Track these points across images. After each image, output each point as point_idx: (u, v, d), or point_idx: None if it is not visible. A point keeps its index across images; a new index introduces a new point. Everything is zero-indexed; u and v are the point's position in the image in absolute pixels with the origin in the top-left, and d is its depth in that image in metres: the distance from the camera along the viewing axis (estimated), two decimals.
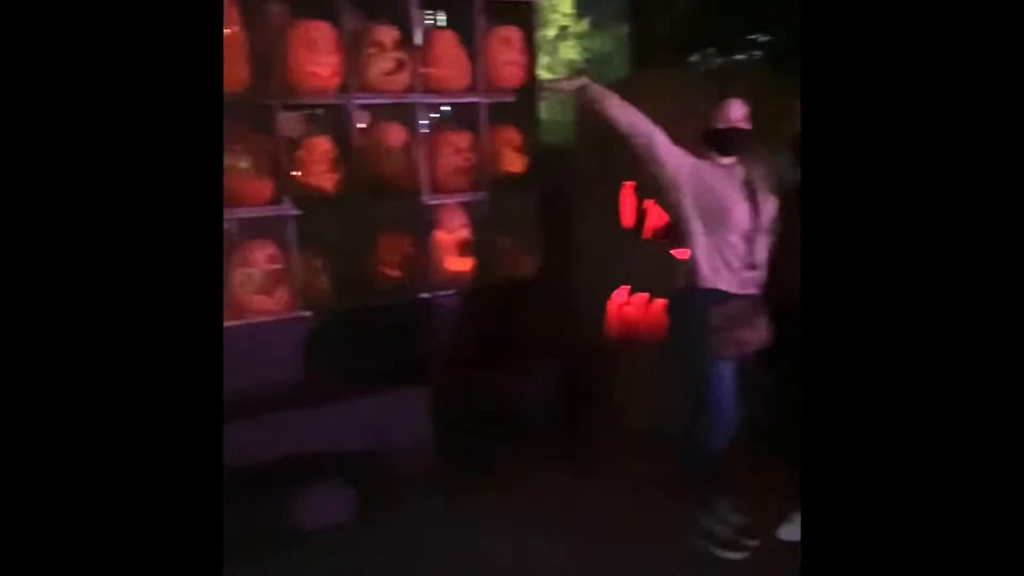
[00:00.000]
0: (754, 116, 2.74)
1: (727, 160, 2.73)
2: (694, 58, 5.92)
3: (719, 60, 5.82)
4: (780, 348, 2.67)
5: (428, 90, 3.68)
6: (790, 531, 2.77)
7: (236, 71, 3.21)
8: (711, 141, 2.74)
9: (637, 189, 3.76)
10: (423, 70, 3.65)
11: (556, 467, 3.46)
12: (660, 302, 3.63)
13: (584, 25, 7.99)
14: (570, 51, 8.04)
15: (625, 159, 2.93)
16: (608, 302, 3.85)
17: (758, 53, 5.83)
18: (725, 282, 2.69)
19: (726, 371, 2.67)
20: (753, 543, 2.76)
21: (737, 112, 2.70)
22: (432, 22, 3.92)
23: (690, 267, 2.75)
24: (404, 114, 3.66)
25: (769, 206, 2.69)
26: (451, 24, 3.86)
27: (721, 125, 2.70)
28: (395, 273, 3.67)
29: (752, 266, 2.69)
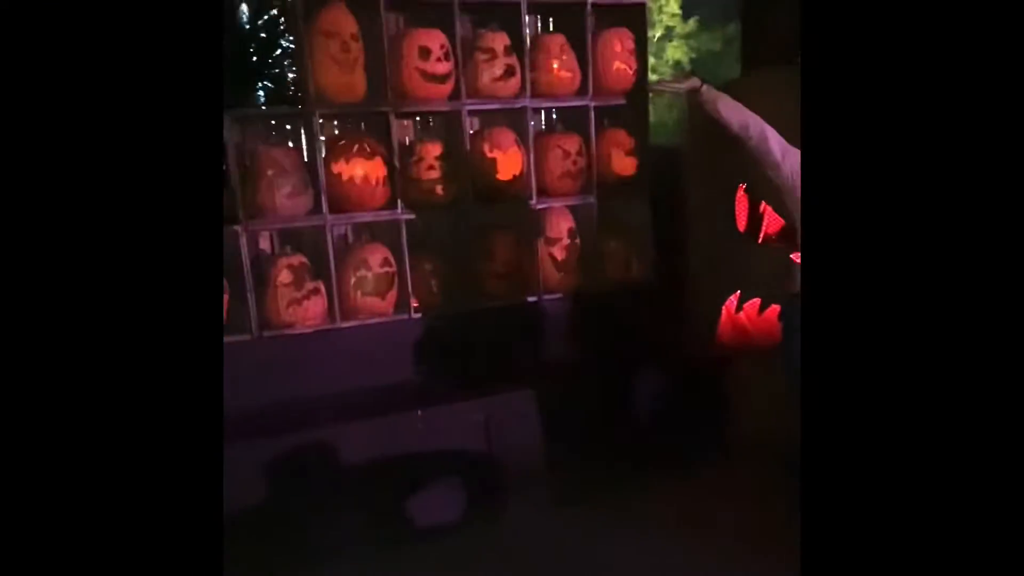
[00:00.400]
0: None
1: None
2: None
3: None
4: None
5: (538, 95, 3.68)
6: None
7: (353, 80, 3.31)
8: None
9: (751, 192, 3.66)
10: (533, 75, 3.65)
11: (666, 473, 3.40)
12: (774, 308, 3.52)
13: (691, 25, 7.83)
14: (676, 51, 7.90)
15: (738, 161, 2.86)
16: (721, 308, 3.76)
17: None
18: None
19: None
20: None
21: None
22: (542, 26, 3.93)
23: (796, 277, 2.66)
24: (514, 119, 3.68)
25: None
26: (560, 28, 3.86)
27: None
28: (504, 277, 3.69)
29: None
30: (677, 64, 7.87)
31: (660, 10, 8.10)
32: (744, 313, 3.67)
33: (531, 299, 3.74)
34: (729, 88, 2.83)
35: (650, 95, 4.04)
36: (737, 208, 3.73)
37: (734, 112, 2.66)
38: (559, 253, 3.81)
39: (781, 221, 3.45)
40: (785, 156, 2.62)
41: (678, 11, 8.17)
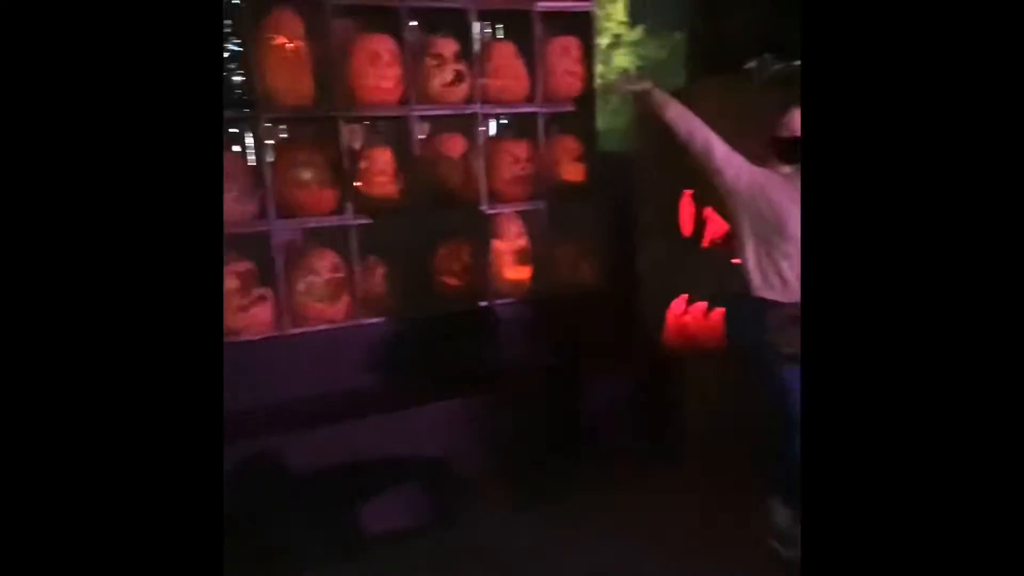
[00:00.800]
0: None
1: (787, 169, 2.70)
2: (750, 64, 5.86)
3: (776, 66, 5.74)
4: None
5: (487, 101, 3.71)
6: None
7: (301, 84, 3.29)
8: (773, 150, 2.71)
9: (696, 197, 3.74)
10: (482, 81, 3.68)
11: (622, 473, 3.45)
12: (719, 311, 3.60)
13: (638, 32, 7.94)
14: (624, 59, 8.01)
15: (684, 167, 2.92)
16: (667, 311, 3.82)
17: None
18: (777, 291, 2.66)
19: (792, 377, 2.64)
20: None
21: (792, 119, 2.66)
22: (491, 34, 3.95)
23: (743, 275, 2.73)
24: (464, 125, 3.69)
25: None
26: (509, 35, 3.89)
27: (784, 134, 2.67)
28: (455, 282, 3.70)
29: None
30: (624, 72, 7.98)
31: (608, 18, 8.21)
32: (690, 316, 3.74)
33: (482, 304, 3.76)
34: (676, 96, 2.89)
35: (598, 101, 4.10)
36: (682, 213, 3.82)
37: (681, 117, 2.73)
38: (510, 258, 3.83)
39: (725, 226, 3.53)
40: (727, 162, 2.69)
41: (625, 19, 8.31)
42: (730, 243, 3.21)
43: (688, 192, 3.76)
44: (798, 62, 5.77)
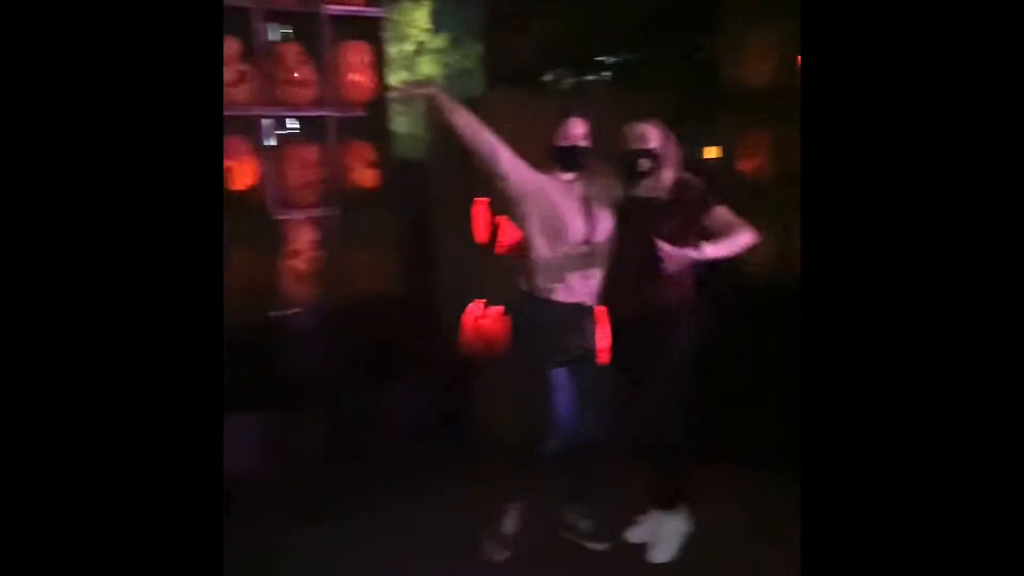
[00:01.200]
0: (596, 134, 2.83)
1: (568, 176, 2.81)
2: (547, 77, 6.09)
3: (571, 80, 6.01)
4: (618, 356, 2.76)
5: (273, 103, 3.59)
6: (637, 534, 2.87)
7: None
8: (553, 157, 2.82)
9: (490, 204, 3.80)
10: (268, 83, 3.55)
11: (417, 482, 3.44)
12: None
13: (442, 40, 8.01)
14: (428, 66, 8.05)
15: (478, 174, 2.97)
16: (463, 315, 3.87)
17: (606, 74, 6.06)
18: (560, 292, 2.77)
19: (562, 378, 2.75)
20: (606, 542, 2.86)
21: (578, 130, 2.79)
22: (278, 35, 3.84)
23: (528, 277, 2.82)
24: (248, 127, 3.55)
25: (605, 220, 2.78)
26: (298, 37, 3.79)
27: (563, 142, 2.78)
28: (243, 291, 3.54)
29: (587, 277, 2.78)
30: (429, 79, 8.03)
31: (411, 24, 8.23)
32: (486, 319, 3.80)
33: (273, 314, 3.62)
34: (474, 104, 2.94)
35: (397, 107, 4.08)
36: (475, 220, 3.87)
37: (467, 125, 2.77)
38: (302, 265, 3.73)
39: (519, 233, 3.62)
40: (513, 169, 2.77)
41: (429, 25, 8.37)
42: (523, 249, 3.29)
43: (482, 199, 3.82)
44: (590, 76, 6.09)
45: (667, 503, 2.84)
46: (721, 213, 2.68)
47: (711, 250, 2.62)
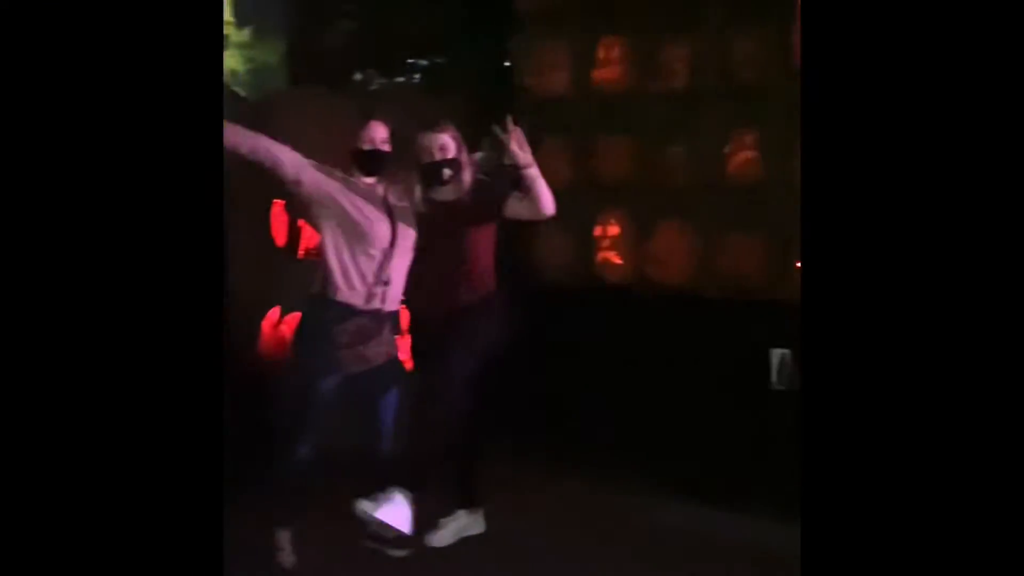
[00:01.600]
0: (399, 138, 2.82)
1: (368, 180, 2.79)
2: (357, 77, 6.00)
3: (380, 81, 5.96)
4: (422, 361, 2.78)
5: None
6: (440, 537, 2.89)
7: None
8: (354, 161, 2.78)
9: (288, 207, 3.70)
10: None
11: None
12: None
13: (246, 35, 7.69)
14: (232, 60, 7.70)
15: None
16: (263, 322, 3.74)
17: (416, 77, 6.06)
18: (356, 296, 2.74)
19: (363, 385, 2.74)
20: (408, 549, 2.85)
21: (379, 133, 2.77)
22: None
23: (324, 282, 2.77)
24: None
25: (406, 225, 2.79)
26: None
27: (364, 145, 2.76)
28: None
29: (384, 282, 2.77)
30: (233, 74, 7.67)
31: None
32: (285, 326, 3.70)
33: None
34: (274, 100, 2.83)
35: None
36: (274, 224, 3.76)
37: (240, 138, 2.64)
38: None
39: (318, 236, 3.55)
40: (302, 173, 2.70)
41: (231, 19, 7.99)
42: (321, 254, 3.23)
43: (279, 202, 3.71)
44: (399, 79, 6.07)
45: (468, 502, 2.88)
46: (513, 203, 2.69)
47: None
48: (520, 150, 2.58)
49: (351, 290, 2.73)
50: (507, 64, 4.86)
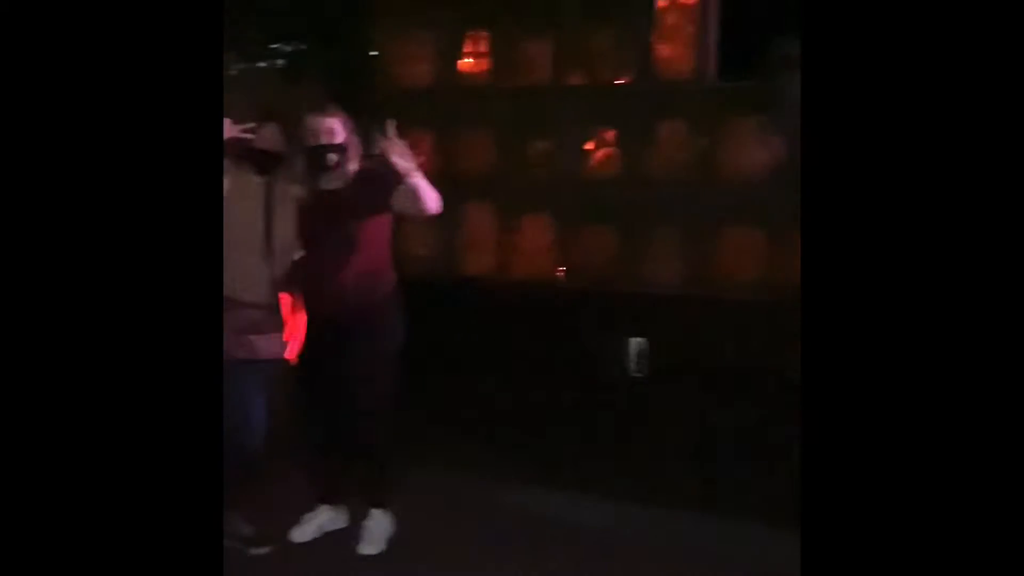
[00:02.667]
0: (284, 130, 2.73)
1: (259, 179, 2.69)
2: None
3: (240, 66, 5.74)
4: (312, 354, 2.71)
5: None
6: (301, 533, 2.85)
7: None
8: (248, 160, 2.67)
9: None
10: None
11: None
12: None
13: None
14: None
15: None
16: None
17: (280, 62, 5.89)
18: (243, 292, 2.65)
19: (240, 377, 2.65)
20: (269, 545, 2.80)
21: (276, 135, 2.66)
22: None
23: None
24: None
25: (289, 217, 2.71)
26: None
27: (259, 146, 2.64)
28: None
29: (273, 275, 2.70)
30: None
31: None
32: None
33: None
34: None
35: None
36: None
37: None
38: None
39: None
40: None
41: None
42: None
43: None
44: (261, 64, 5.88)
45: (377, 501, 2.82)
46: (399, 196, 2.58)
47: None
48: (402, 159, 2.48)
49: (235, 285, 2.63)
50: (370, 53, 4.82)
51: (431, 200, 2.59)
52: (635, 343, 3.33)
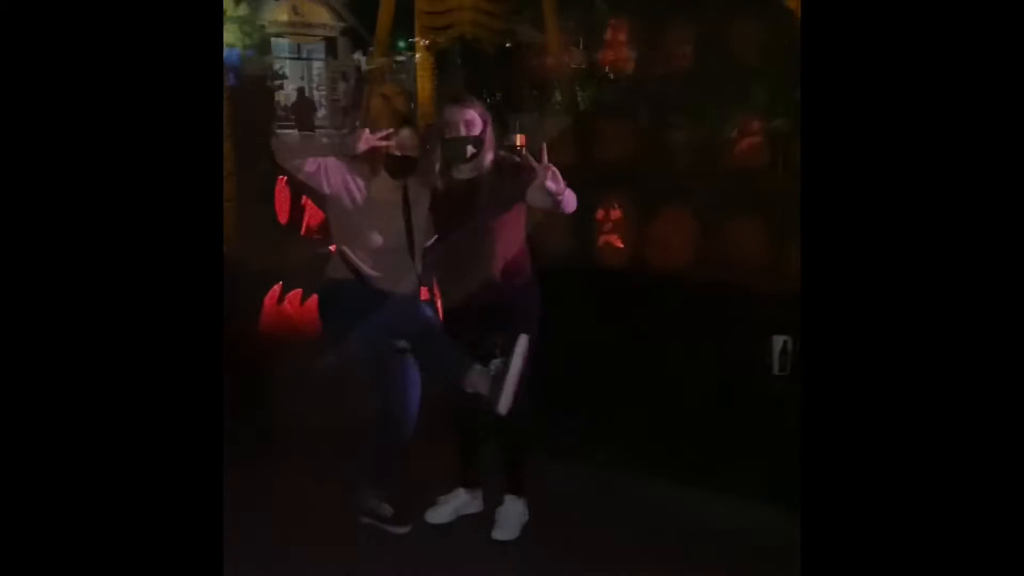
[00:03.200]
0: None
1: (394, 182, 2.75)
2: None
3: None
4: (454, 339, 2.74)
5: None
6: (436, 514, 2.90)
7: None
8: (386, 164, 2.73)
9: (291, 183, 3.69)
10: None
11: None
12: (314, 298, 3.60)
13: (244, 8, 7.64)
14: (229, 35, 7.64)
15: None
16: (265, 299, 3.74)
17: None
18: (383, 281, 2.72)
19: (391, 363, 2.72)
20: (409, 525, 2.86)
21: (404, 137, 2.69)
22: None
23: (338, 262, 2.76)
24: None
25: (425, 208, 2.77)
26: None
27: (396, 151, 2.68)
28: None
29: (410, 264, 2.76)
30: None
31: None
32: (287, 303, 3.70)
33: None
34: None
35: None
36: (278, 200, 3.75)
37: (293, 161, 2.62)
38: None
39: (321, 214, 3.54)
40: (334, 186, 2.66)
41: None
42: (327, 231, 3.22)
43: (283, 178, 3.70)
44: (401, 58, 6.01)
45: (513, 487, 2.86)
46: (534, 191, 2.56)
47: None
48: (554, 183, 2.43)
49: (374, 274, 2.70)
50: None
51: (568, 203, 2.56)
52: (779, 340, 3.20)
